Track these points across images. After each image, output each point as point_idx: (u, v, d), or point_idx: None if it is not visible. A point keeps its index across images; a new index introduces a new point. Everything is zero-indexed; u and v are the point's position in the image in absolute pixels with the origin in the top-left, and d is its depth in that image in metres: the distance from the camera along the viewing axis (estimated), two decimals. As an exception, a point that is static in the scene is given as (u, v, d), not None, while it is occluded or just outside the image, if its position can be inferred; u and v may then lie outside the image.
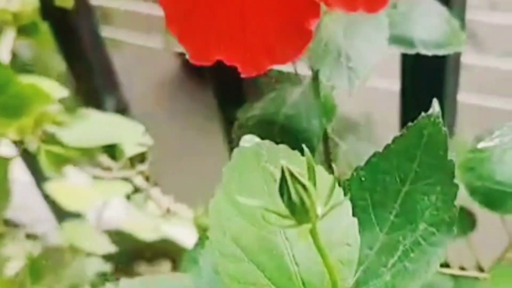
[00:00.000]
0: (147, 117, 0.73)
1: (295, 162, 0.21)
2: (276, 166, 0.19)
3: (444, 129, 0.21)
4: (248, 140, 0.23)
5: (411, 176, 0.22)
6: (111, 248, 0.74)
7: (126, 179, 0.63)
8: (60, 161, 0.60)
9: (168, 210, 0.65)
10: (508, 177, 0.32)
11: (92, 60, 0.72)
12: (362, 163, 0.22)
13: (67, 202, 0.76)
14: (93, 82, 0.74)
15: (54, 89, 0.57)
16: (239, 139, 0.25)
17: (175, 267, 0.82)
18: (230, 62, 0.25)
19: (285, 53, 0.24)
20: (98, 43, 0.72)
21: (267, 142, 0.22)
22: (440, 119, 0.21)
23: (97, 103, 0.73)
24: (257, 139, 0.24)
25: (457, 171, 0.36)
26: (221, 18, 0.24)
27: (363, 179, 0.22)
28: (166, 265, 0.83)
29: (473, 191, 0.33)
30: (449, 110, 0.51)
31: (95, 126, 0.62)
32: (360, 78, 0.30)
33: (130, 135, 0.61)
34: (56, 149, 0.60)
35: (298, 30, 0.23)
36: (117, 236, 0.77)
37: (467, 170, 0.34)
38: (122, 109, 0.77)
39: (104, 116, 0.64)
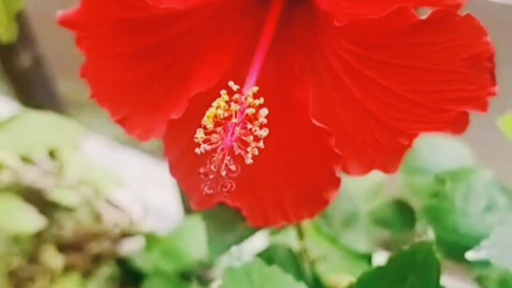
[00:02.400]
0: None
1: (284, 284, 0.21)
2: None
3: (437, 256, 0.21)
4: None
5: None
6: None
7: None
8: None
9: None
10: (472, 229, 0.33)
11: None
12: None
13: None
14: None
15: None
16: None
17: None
18: (234, 206, 0.24)
19: (298, 215, 0.23)
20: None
21: (257, 262, 0.22)
22: (433, 246, 0.21)
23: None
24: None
25: (423, 217, 0.36)
26: None
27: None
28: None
29: (439, 242, 0.34)
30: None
31: (32, 130, 0.57)
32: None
33: (68, 137, 0.57)
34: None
35: (315, 199, 0.22)
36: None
37: (432, 218, 0.34)
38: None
39: (41, 118, 0.59)
